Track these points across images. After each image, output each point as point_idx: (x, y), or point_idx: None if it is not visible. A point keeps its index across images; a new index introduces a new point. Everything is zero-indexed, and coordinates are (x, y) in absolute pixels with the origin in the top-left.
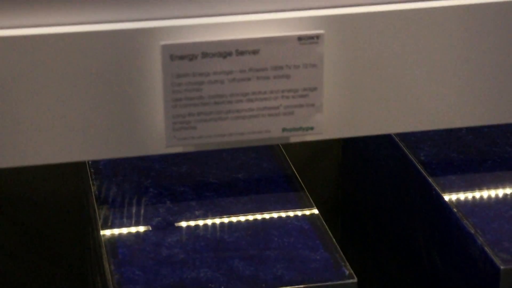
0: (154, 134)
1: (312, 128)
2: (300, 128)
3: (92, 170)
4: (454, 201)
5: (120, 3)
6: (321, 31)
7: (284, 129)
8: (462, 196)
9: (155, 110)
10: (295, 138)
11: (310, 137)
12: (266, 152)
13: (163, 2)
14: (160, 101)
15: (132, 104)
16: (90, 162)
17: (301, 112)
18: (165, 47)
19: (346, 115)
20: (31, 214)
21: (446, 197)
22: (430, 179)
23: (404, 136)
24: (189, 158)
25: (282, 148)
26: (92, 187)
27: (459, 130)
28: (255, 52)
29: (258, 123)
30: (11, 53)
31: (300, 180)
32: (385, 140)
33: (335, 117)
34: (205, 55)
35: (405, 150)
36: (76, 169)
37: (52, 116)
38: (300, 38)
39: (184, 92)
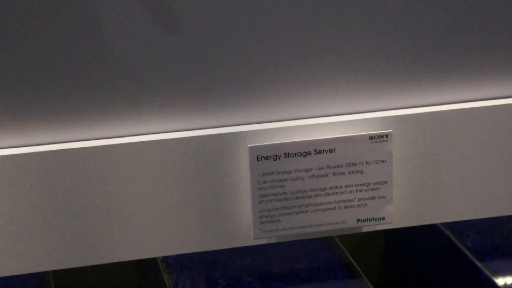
0: (241, 227)
1: (383, 219)
2: (373, 219)
3: (163, 265)
4: (508, 285)
5: (212, 111)
6: (389, 130)
7: (358, 220)
8: (510, 280)
9: (242, 206)
10: (368, 228)
11: (381, 227)
12: (322, 243)
13: (249, 108)
14: (247, 198)
15: (221, 201)
16: (161, 258)
17: (374, 204)
18: (252, 149)
19: (414, 205)
20: None
21: (499, 281)
22: (479, 265)
23: (448, 224)
24: (250, 250)
25: (336, 239)
26: (166, 281)
27: (499, 217)
28: (331, 150)
29: (335, 214)
30: (112, 159)
31: (357, 268)
32: (429, 229)
33: (404, 208)
34: (287, 155)
35: (452, 238)
36: (137, 266)
37: (147, 212)
38: (371, 137)
39: (269, 188)
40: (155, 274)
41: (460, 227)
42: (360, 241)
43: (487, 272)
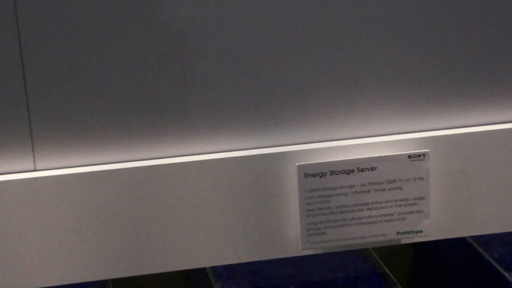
0: (290, 239)
1: (421, 231)
2: (411, 232)
3: (212, 273)
4: None
5: (264, 133)
6: (426, 150)
7: (398, 233)
8: None
9: (290, 219)
10: (406, 240)
11: (419, 239)
12: (358, 253)
13: (297, 130)
14: (295, 212)
15: (272, 215)
16: (209, 268)
17: (412, 218)
18: (300, 167)
19: (450, 219)
20: None
21: None
22: (506, 274)
23: (475, 236)
24: (292, 260)
25: (370, 249)
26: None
27: None
28: (373, 168)
29: (376, 228)
30: (171, 176)
31: (392, 277)
32: (457, 240)
33: (441, 221)
34: (332, 172)
35: (478, 249)
36: (184, 276)
37: (204, 225)
38: (409, 156)
39: (315, 203)
40: (203, 282)
41: (487, 239)
42: (390, 252)
43: None
